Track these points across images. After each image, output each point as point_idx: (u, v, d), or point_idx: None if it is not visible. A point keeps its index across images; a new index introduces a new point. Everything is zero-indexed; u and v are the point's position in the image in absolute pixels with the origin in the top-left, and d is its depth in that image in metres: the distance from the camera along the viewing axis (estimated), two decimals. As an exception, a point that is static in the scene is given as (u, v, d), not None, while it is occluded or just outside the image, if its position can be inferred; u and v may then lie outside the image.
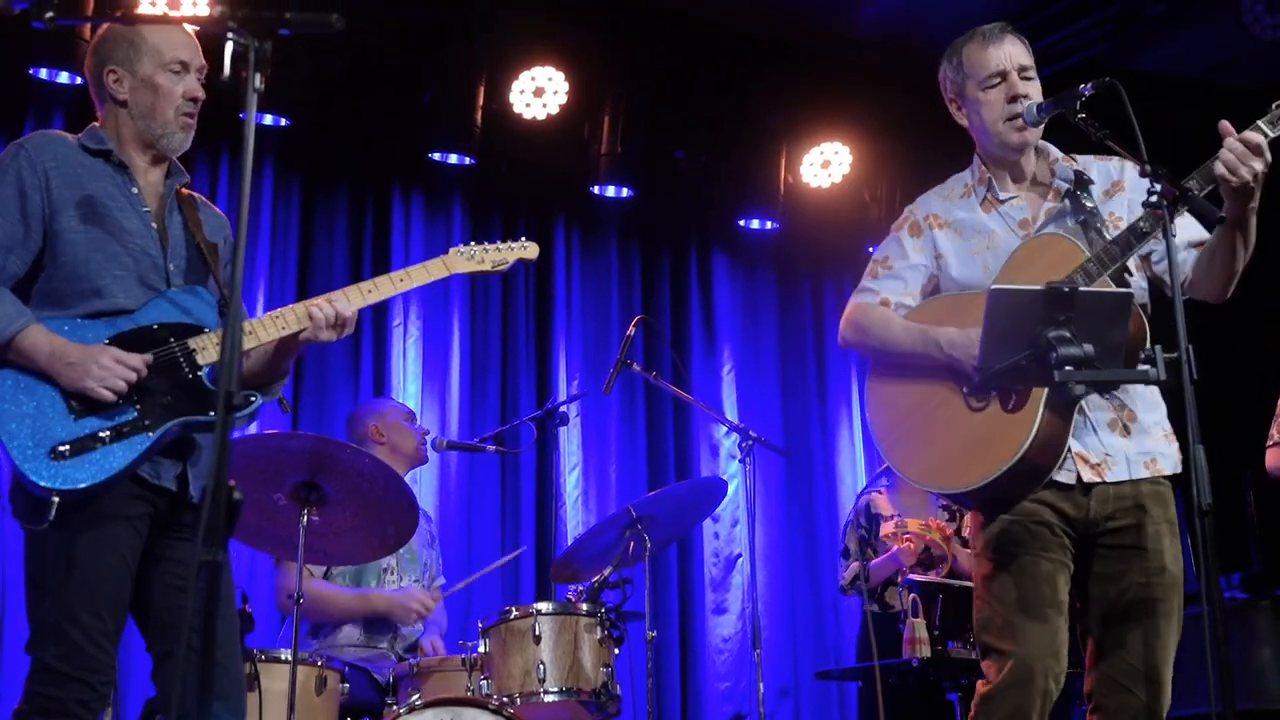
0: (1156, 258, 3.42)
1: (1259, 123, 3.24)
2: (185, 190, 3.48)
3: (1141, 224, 3.23)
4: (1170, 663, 3.30)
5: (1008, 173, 3.54)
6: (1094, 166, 3.53)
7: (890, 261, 3.58)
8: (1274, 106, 3.28)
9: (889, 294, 3.54)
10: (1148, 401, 3.39)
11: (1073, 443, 3.28)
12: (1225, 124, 3.17)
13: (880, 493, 6.21)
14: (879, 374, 3.55)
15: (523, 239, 3.77)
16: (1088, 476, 3.29)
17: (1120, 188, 3.50)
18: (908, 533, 5.72)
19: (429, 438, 5.66)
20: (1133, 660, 3.27)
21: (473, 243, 3.69)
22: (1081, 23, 6.54)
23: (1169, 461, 3.37)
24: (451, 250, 3.66)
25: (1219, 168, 3.13)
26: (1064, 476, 3.29)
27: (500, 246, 3.73)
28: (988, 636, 3.31)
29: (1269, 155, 3.17)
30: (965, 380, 3.31)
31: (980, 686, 3.32)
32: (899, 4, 6.69)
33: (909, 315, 3.51)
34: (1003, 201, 3.52)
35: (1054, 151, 3.56)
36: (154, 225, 3.35)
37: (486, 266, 3.69)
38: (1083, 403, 3.28)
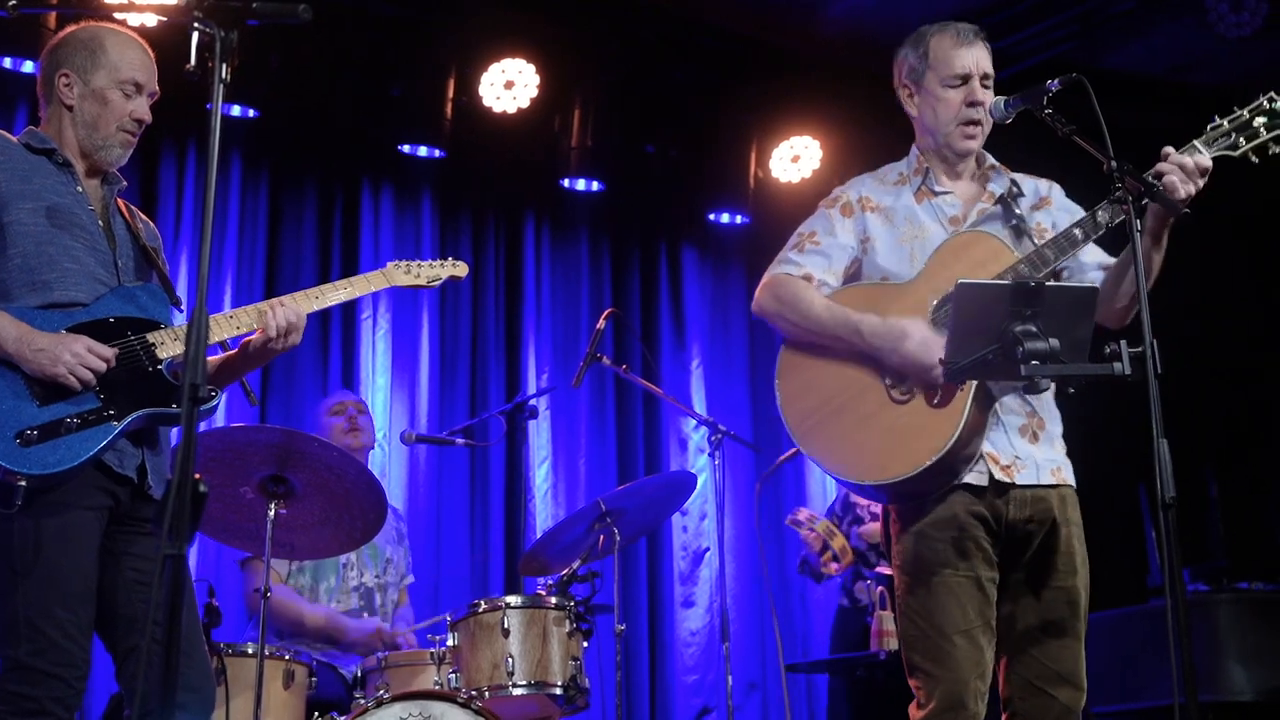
0: (1067, 273, 3.46)
1: (1195, 143, 3.32)
2: (120, 200, 3.50)
3: (1076, 230, 3.28)
4: (1084, 662, 3.32)
5: (944, 167, 3.54)
6: (1025, 182, 3.58)
7: (818, 237, 3.52)
8: (1209, 128, 3.38)
9: (813, 269, 3.47)
10: (1052, 413, 3.43)
11: (984, 443, 3.29)
12: (1168, 148, 3.26)
13: None
14: (796, 353, 3.47)
15: (451, 259, 3.91)
16: (1000, 477, 3.29)
17: (1047, 202, 3.56)
18: (811, 529, 5.80)
19: (359, 419, 5.62)
20: (1051, 663, 3.29)
21: (405, 260, 3.82)
22: (1049, 21, 6.59)
23: (1070, 473, 3.42)
24: (389, 264, 3.80)
25: (1168, 181, 3.19)
26: (974, 478, 3.28)
27: (434, 264, 3.86)
28: (915, 656, 3.28)
29: (1207, 179, 3.27)
30: (887, 369, 3.31)
31: (913, 711, 3.29)
32: (867, 0, 6.71)
33: (829, 297, 3.47)
34: (937, 194, 3.51)
35: (990, 158, 3.59)
36: (100, 223, 3.37)
37: (422, 281, 3.82)
38: (998, 406, 3.31)
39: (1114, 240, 3.36)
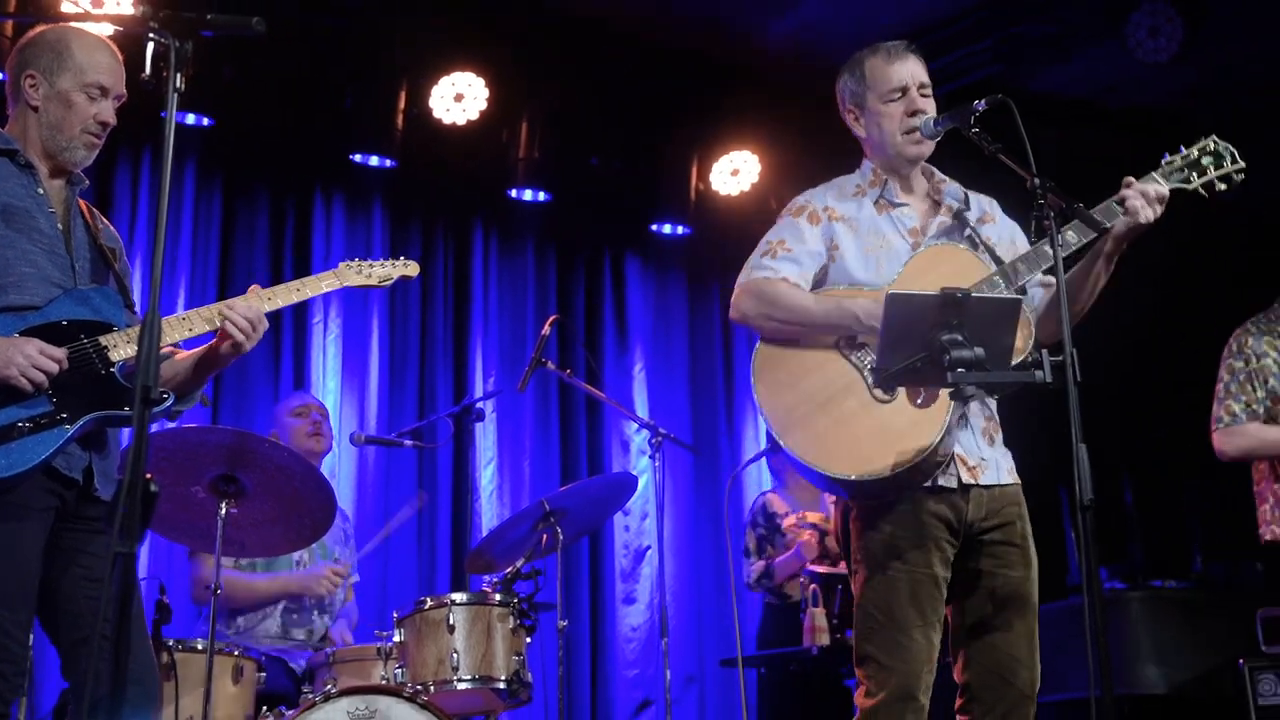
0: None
1: (1154, 175, 3.47)
2: (82, 201, 3.49)
3: (1048, 247, 3.36)
4: (1038, 647, 3.44)
5: (899, 183, 3.64)
6: (970, 198, 3.68)
7: (788, 244, 3.56)
8: (1163, 162, 3.52)
9: (787, 274, 3.52)
10: (1000, 418, 3.55)
11: (955, 446, 3.39)
12: (1129, 178, 3.41)
13: (773, 493, 6.36)
14: (774, 350, 3.51)
15: (403, 259, 3.90)
16: (965, 478, 3.38)
17: (990, 218, 3.66)
18: (808, 525, 5.87)
19: (323, 425, 5.68)
20: (1011, 650, 3.38)
21: (357, 259, 3.82)
22: (977, 44, 6.69)
23: (1015, 472, 3.55)
24: (341, 265, 3.79)
25: (1131, 205, 3.35)
26: (947, 480, 3.37)
27: (385, 264, 3.84)
28: (869, 647, 3.36)
29: (1164, 207, 3.41)
30: (868, 370, 3.37)
31: (861, 699, 3.37)
32: (806, 20, 6.81)
33: None
34: (895, 206, 3.61)
35: (939, 173, 3.70)
36: (59, 226, 3.33)
37: (373, 281, 3.80)
38: (965, 408, 3.39)
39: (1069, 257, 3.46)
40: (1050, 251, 3.34)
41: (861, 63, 3.63)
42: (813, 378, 3.45)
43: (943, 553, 3.38)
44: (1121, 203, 3.36)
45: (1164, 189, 3.41)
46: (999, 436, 3.52)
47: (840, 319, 3.42)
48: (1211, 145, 3.55)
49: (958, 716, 3.45)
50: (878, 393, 3.36)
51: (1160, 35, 6.26)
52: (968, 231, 3.56)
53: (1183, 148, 3.55)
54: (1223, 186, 3.55)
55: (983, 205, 3.69)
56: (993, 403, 3.53)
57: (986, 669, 3.40)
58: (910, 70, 3.58)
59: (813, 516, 5.96)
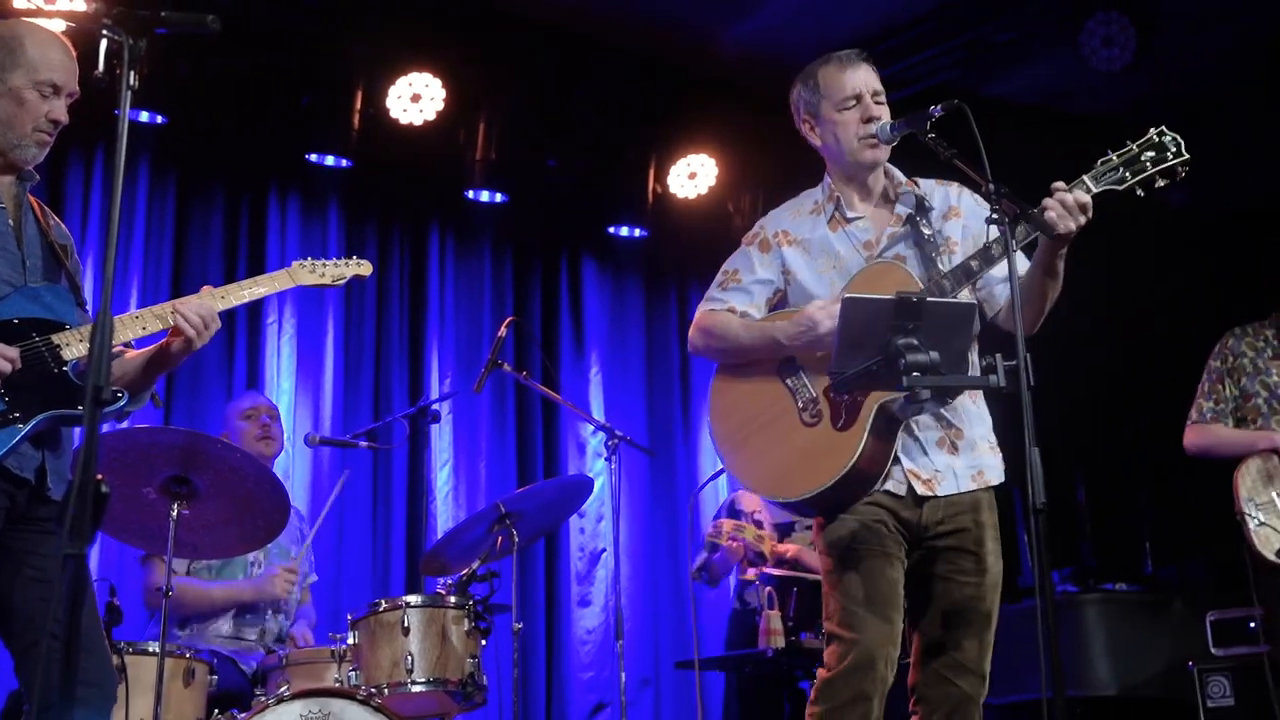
0: (980, 283, 3.58)
1: (1084, 178, 3.41)
2: (33, 197, 3.47)
3: (972, 262, 3.41)
4: (989, 655, 3.50)
5: (856, 191, 3.68)
6: (935, 191, 3.68)
7: (739, 275, 3.71)
8: (1099, 163, 3.46)
9: (736, 304, 3.67)
10: (974, 417, 3.57)
11: (905, 461, 3.46)
12: (1058, 183, 3.37)
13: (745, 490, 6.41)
14: (722, 383, 3.66)
15: (355, 258, 3.90)
16: (921, 491, 3.46)
17: (956, 213, 3.66)
18: (733, 536, 5.92)
19: (272, 427, 5.64)
20: (958, 655, 3.46)
21: (310, 258, 3.81)
22: (934, 49, 6.77)
23: (994, 473, 3.57)
24: (294, 263, 3.79)
25: (1048, 217, 3.29)
26: (893, 486, 3.47)
27: (339, 263, 3.85)
28: (833, 626, 3.46)
29: (1090, 214, 3.35)
30: (800, 394, 3.47)
31: (821, 673, 3.46)
32: (764, 25, 6.84)
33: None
34: (849, 221, 3.65)
35: (898, 175, 3.72)
36: (10, 223, 3.33)
37: (326, 280, 3.81)
38: (913, 424, 3.46)
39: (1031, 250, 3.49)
40: (973, 266, 3.43)
41: (814, 73, 3.68)
42: (751, 403, 3.58)
43: (894, 537, 3.47)
44: (1043, 212, 3.33)
45: (1085, 196, 3.35)
46: (965, 441, 3.54)
47: (764, 343, 3.55)
48: (1156, 138, 3.49)
49: (911, 718, 3.52)
50: (805, 416, 3.46)
51: (1114, 44, 6.36)
52: (923, 238, 3.58)
53: (1129, 142, 3.50)
54: (1163, 182, 3.49)
55: (950, 199, 3.69)
56: (956, 410, 3.54)
57: (933, 670, 3.49)
58: (863, 78, 3.62)
59: (727, 525, 5.98)
